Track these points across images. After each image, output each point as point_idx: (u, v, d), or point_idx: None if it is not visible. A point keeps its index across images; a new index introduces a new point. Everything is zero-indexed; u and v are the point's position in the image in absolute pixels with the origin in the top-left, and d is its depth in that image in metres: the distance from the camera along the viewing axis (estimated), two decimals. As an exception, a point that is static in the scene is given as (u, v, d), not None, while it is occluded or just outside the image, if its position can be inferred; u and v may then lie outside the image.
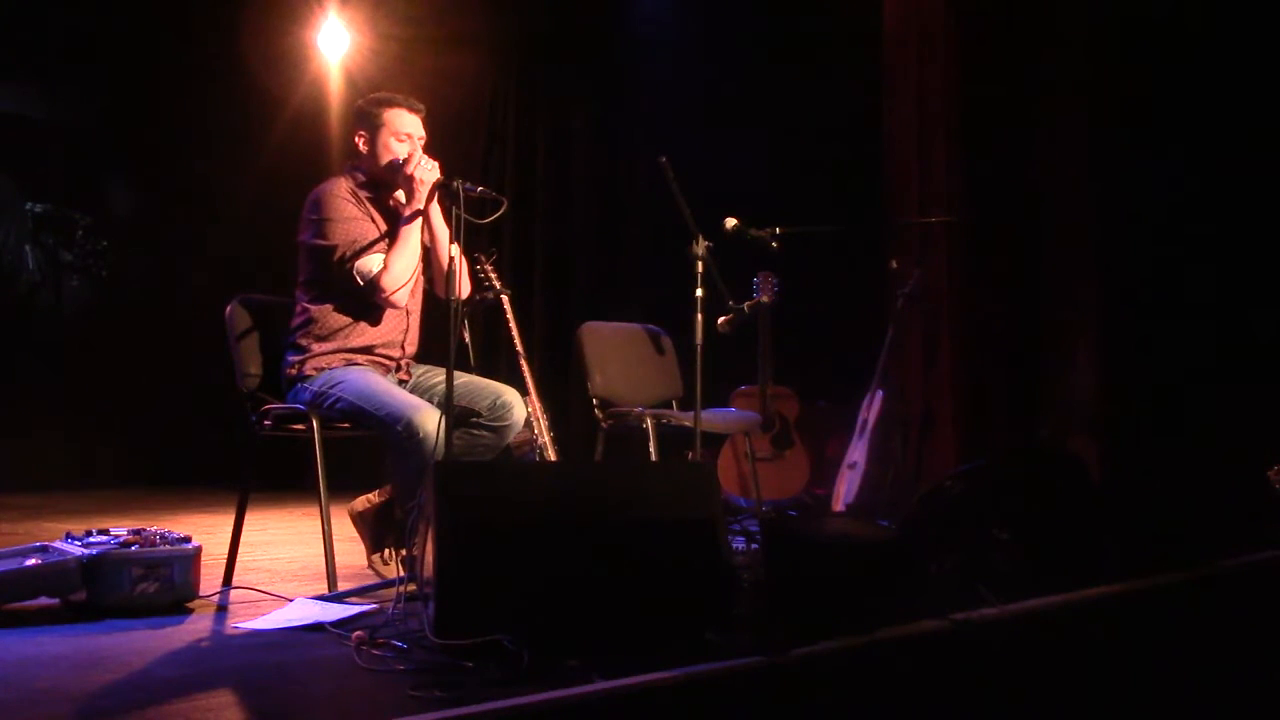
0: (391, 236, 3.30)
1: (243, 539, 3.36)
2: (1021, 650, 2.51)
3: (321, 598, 2.96)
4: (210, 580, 3.10)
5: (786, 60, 5.90)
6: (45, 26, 6.54)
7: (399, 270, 3.26)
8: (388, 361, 3.38)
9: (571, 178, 6.82)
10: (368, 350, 3.33)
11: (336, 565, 3.12)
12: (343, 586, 3.11)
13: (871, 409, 4.82)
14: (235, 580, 3.25)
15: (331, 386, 3.19)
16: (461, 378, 3.22)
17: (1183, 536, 3.15)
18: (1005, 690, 2.43)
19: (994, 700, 2.40)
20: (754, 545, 3.43)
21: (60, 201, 6.67)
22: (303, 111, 6.88)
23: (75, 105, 6.85)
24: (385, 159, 3.35)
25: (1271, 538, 3.37)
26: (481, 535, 2.34)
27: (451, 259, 2.96)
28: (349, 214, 3.29)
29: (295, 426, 3.27)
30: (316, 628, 2.60)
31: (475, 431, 3.28)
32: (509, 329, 4.02)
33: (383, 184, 3.40)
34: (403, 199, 3.37)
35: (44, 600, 2.77)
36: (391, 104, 3.39)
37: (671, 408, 4.34)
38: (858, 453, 4.78)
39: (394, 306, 3.32)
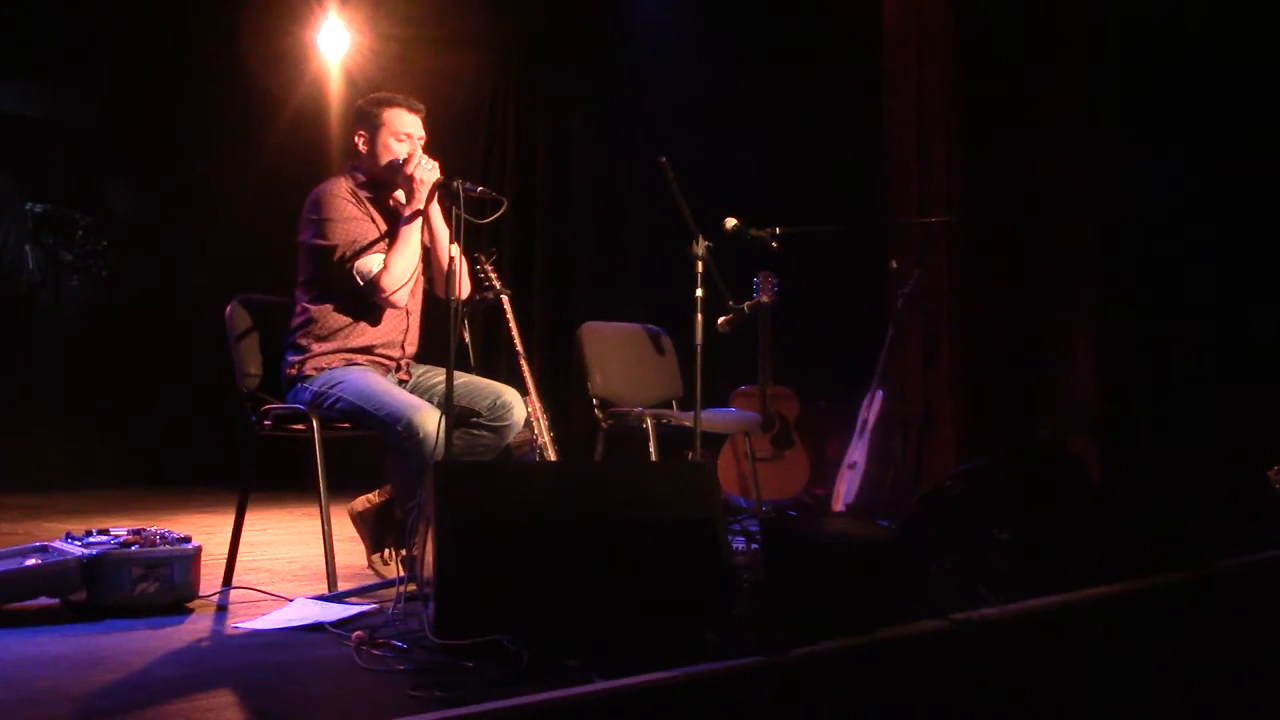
0: (391, 236, 3.30)
1: (243, 539, 3.36)
2: (1021, 650, 2.51)
3: (321, 598, 2.96)
4: (210, 580, 3.10)
5: (786, 60, 5.90)
6: (45, 26, 6.54)
7: (399, 270, 3.26)
8: (388, 361, 3.38)
9: (571, 178, 6.82)
10: (368, 350, 3.33)
11: (336, 565, 3.12)
12: (343, 586, 3.11)
13: (871, 409, 4.82)
14: (235, 580, 3.25)
15: (331, 386, 3.19)
16: (461, 378, 3.22)
17: (1183, 536, 3.15)
18: (1005, 690, 2.43)
19: (994, 700, 2.40)
20: (754, 545, 3.43)
21: (60, 201, 6.66)
22: (303, 111, 6.88)
23: (75, 105, 6.84)
24: (385, 159, 3.35)
25: (1271, 538, 3.37)
26: (481, 535, 2.34)
27: (451, 259, 2.96)
28: (349, 214, 3.29)
29: (295, 426, 3.27)
30: (316, 628, 2.60)
31: (475, 431, 3.28)
32: (509, 329, 4.02)
33: (383, 184, 3.40)
34: (403, 199, 3.37)
35: (44, 600, 2.77)
36: (391, 104, 3.39)
37: (671, 408, 4.34)
38: (858, 453, 4.78)
39: (394, 306, 3.32)
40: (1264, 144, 4.58)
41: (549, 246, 6.78)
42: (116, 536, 2.90)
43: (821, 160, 5.76)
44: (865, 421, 4.82)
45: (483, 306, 4.09)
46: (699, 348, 3.46)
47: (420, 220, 3.29)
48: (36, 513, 5.04)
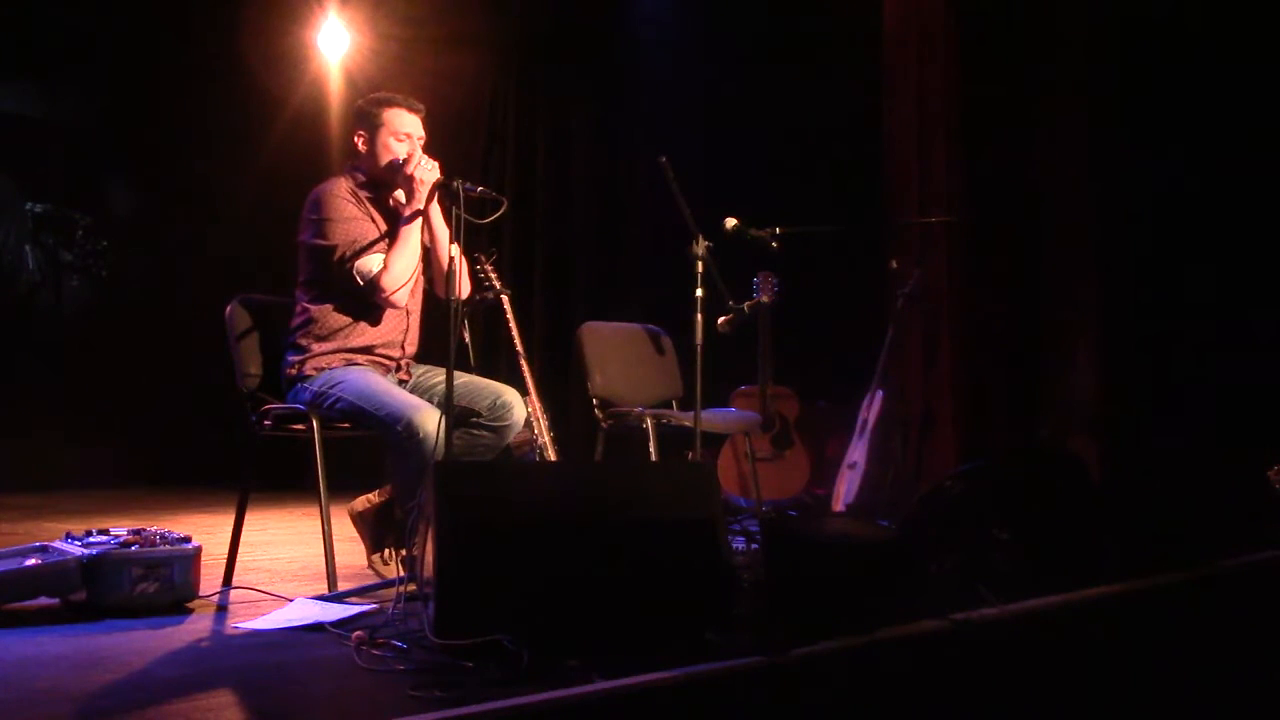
0: (391, 236, 3.30)
1: (243, 539, 3.36)
2: (1021, 650, 2.51)
3: (321, 598, 2.96)
4: (210, 580, 3.10)
5: (786, 60, 5.90)
6: (45, 26, 6.53)
7: (399, 270, 3.26)
8: (388, 361, 3.38)
9: (571, 178, 6.82)
10: (368, 350, 3.33)
11: (336, 565, 3.12)
12: (343, 586, 3.11)
13: (871, 409, 4.82)
14: (235, 580, 3.25)
15: (331, 386, 3.19)
16: (461, 378, 3.22)
17: (1183, 536, 3.15)
18: (1005, 690, 2.43)
19: (994, 700, 2.40)
20: (754, 545, 3.43)
21: (60, 201, 6.66)
22: (303, 111, 6.88)
23: (75, 105, 6.84)
24: (385, 159, 3.35)
25: (1271, 538, 3.37)
26: (481, 535, 2.34)
27: (451, 259, 2.95)
28: (349, 214, 3.29)
29: (295, 426, 3.27)
30: (316, 628, 2.60)
31: (475, 431, 3.28)
32: (509, 329, 4.02)
33: (383, 184, 3.39)
34: (403, 199, 3.37)
35: (44, 600, 2.77)
36: (391, 104, 3.39)
37: (671, 408, 4.34)
38: (858, 453, 4.78)
39: (394, 306, 3.32)
40: (1264, 144, 4.58)
41: (549, 246, 6.78)
42: (116, 536, 2.90)
43: (821, 160, 5.76)
44: (865, 421, 4.82)
45: (483, 306, 4.09)
46: (699, 348, 3.46)
47: (420, 220, 3.29)
48: (36, 513, 5.04)
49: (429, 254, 3.41)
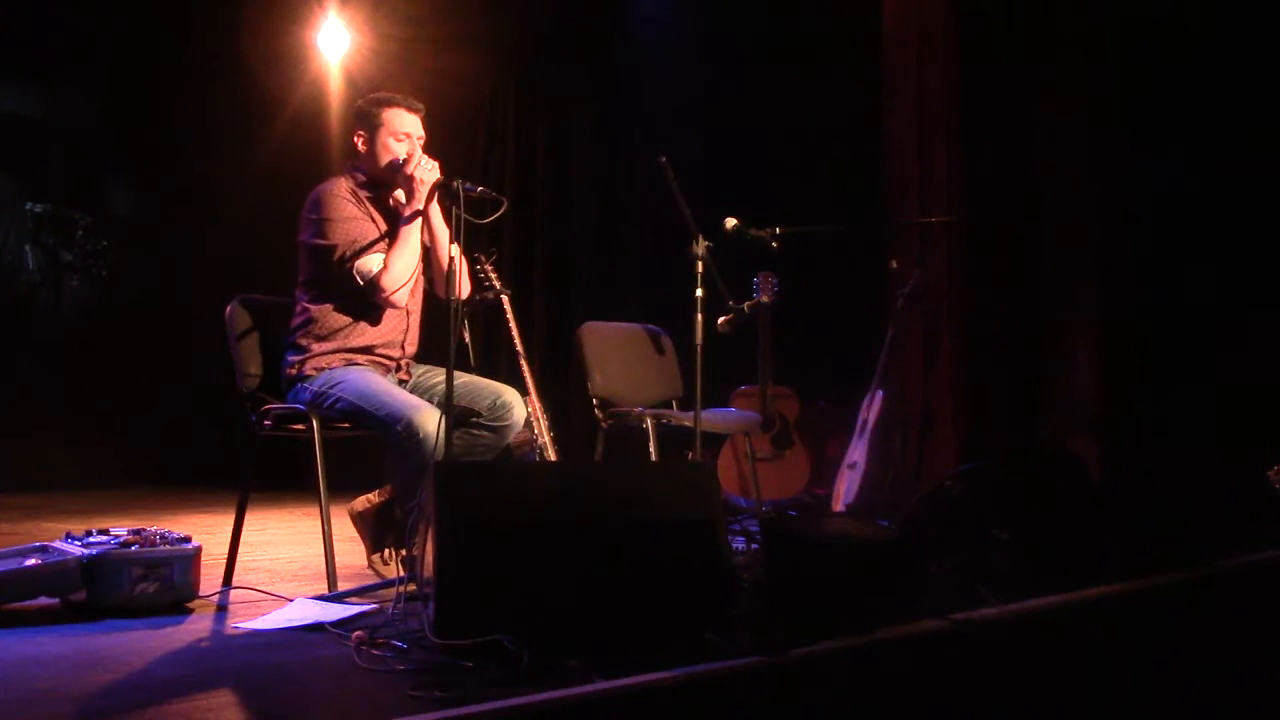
0: (391, 236, 3.30)
1: (243, 539, 3.36)
2: (1021, 650, 2.51)
3: (321, 598, 2.96)
4: (210, 580, 3.10)
5: (786, 60, 5.90)
6: (45, 26, 6.53)
7: (399, 270, 3.26)
8: (388, 361, 3.38)
9: (571, 178, 6.82)
10: (368, 350, 3.33)
11: (336, 565, 3.12)
12: (343, 586, 3.11)
13: (871, 409, 4.82)
14: (235, 580, 3.25)
15: (331, 386, 3.19)
16: (461, 378, 3.22)
17: (1183, 536, 3.15)
18: (1005, 690, 2.43)
19: (994, 700, 2.40)
20: (754, 545, 3.43)
21: (60, 201, 6.66)
22: (303, 111, 6.88)
23: (75, 105, 6.84)
24: (385, 159, 3.35)
25: (1271, 538, 3.37)
26: (481, 535, 2.34)
27: (451, 259, 2.95)
28: (349, 214, 3.29)
29: (295, 426, 3.27)
30: (316, 628, 2.60)
31: (475, 431, 3.28)
32: (509, 329, 4.02)
33: (382, 184, 3.39)
34: (403, 199, 3.37)
35: (44, 600, 2.77)
36: (390, 104, 3.39)
37: (671, 408, 4.34)
38: (858, 453, 4.78)
39: (394, 306, 3.32)
40: (1264, 144, 4.58)
41: (549, 246, 6.78)
42: (116, 536, 2.90)
43: (821, 160, 5.76)
44: (865, 421, 4.82)
45: (483, 306, 4.09)
46: (699, 348, 3.46)
47: (420, 220, 3.29)
48: (36, 513, 5.04)
49: (429, 254, 3.41)
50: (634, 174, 6.58)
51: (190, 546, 2.87)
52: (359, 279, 3.26)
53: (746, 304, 3.91)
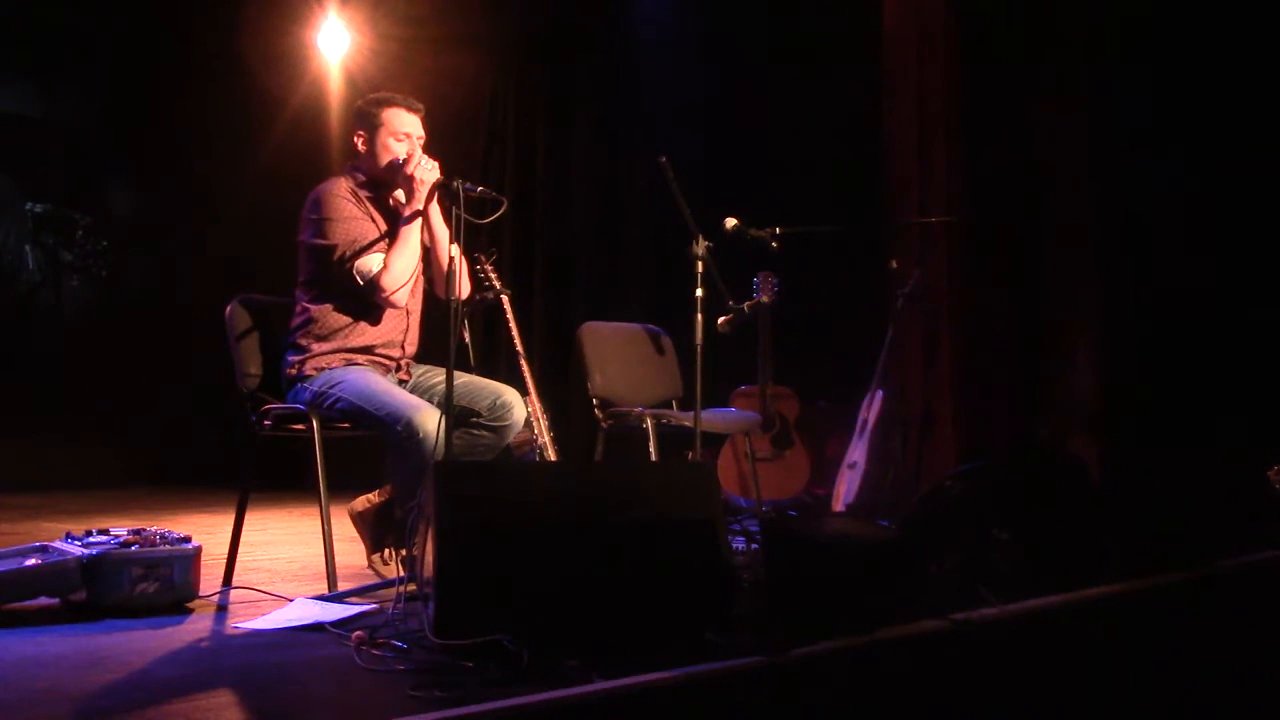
0: (391, 236, 3.30)
1: (243, 539, 3.36)
2: (1021, 650, 2.51)
3: (321, 598, 2.96)
4: (210, 580, 3.10)
5: (786, 60, 5.90)
6: (45, 26, 6.53)
7: (399, 270, 3.26)
8: (388, 361, 3.38)
9: (571, 178, 6.82)
10: (368, 350, 3.33)
11: (336, 565, 3.12)
12: (343, 586, 3.11)
13: (871, 409, 4.82)
14: (235, 580, 3.25)
15: (331, 386, 3.19)
16: (461, 378, 3.22)
17: (1183, 536, 3.15)
18: (1005, 690, 2.43)
19: (994, 700, 2.40)
20: (754, 545, 3.42)
21: (60, 201, 6.66)
22: (303, 111, 6.88)
23: (75, 105, 6.84)
24: (384, 159, 3.35)
25: (1271, 538, 3.37)
26: (481, 535, 2.34)
27: (451, 259, 2.95)
28: (349, 213, 3.29)
29: (295, 426, 3.27)
30: (316, 628, 2.60)
31: (475, 431, 3.28)
32: (509, 329, 4.02)
33: (382, 184, 3.40)
34: (403, 199, 3.37)
35: (44, 600, 2.77)
36: (390, 104, 3.39)
37: (671, 408, 4.34)
38: (858, 453, 4.78)
39: (394, 306, 3.32)
40: (1264, 144, 4.58)
41: (549, 246, 6.78)
42: (116, 536, 2.90)
43: (821, 160, 5.76)
44: (865, 421, 4.82)
45: (483, 306, 4.09)
46: (699, 348, 3.46)
47: (420, 220, 3.29)
48: (36, 513, 5.04)
49: (429, 254, 3.41)
50: (634, 174, 6.58)
51: (190, 546, 2.87)
52: (359, 279, 3.26)
53: (746, 304, 3.91)
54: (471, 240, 3.18)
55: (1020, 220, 5.07)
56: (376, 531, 3.41)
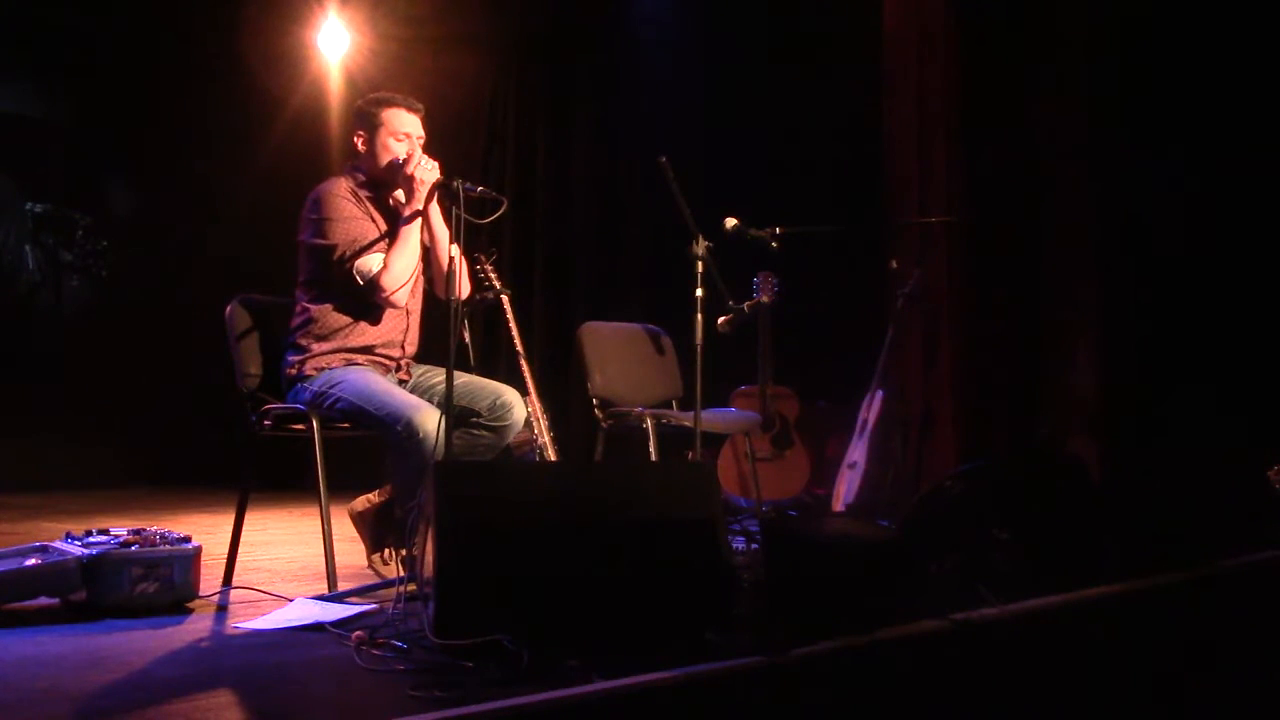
0: (391, 236, 3.30)
1: (243, 539, 3.36)
2: (1021, 650, 2.51)
3: (321, 598, 2.96)
4: (210, 580, 3.10)
5: (786, 60, 5.90)
6: (45, 26, 6.53)
7: (399, 270, 3.26)
8: (388, 361, 3.38)
9: (571, 178, 6.82)
10: (368, 350, 3.33)
11: (336, 565, 3.12)
12: (343, 586, 3.11)
13: (871, 409, 4.82)
14: (235, 580, 3.25)
15: (331, 386, 3.19)
16: (461, 378, 3.22)
17: (1183, 536, 3.15)
18: (1005, 690, 2.43)
19: (994, 700, 2.40)
20: (754, 545, 3.42)
21: (60, 201, 6.67)
22: (303, 111, 6.88)
23: (75, 105, 6.85)
24: (384, 159, 3.35)
25: (1271, 538, 3.37)
26: (481, 535, 2.34)
27: (451, 259, 2.96)
28: (349, 213, 3.29)
29: (295, 426, 3.27)
30: (316, 628, 2.60)
31: (475, 431, 3.28)
32: (509, 329, 4.02)
33: (382, 184, 3.40)
34: (402, 199, 3.37)
35: (44, 600, 2.77)
36: (390, 104, 3.39)
37: (671, 408, 4.34)
38: (858, 453, 4.78)
39: (394, 306, 3.32)
40: (1264, 144, 4.58)
41: (549, 246, 6.78)
42: (116, 536, 2.90)
43: (821, 160, 5.76)
44: (865, 421, 4.82)
45: (483, 306, 4.09)
46: (699, 348, 3.46)
47: (420, 220, 3.30)
48: (36, 513, 5.04)
49: (429, 254, 3.41)
50: (634, 174, 6.58)
51: (190, 546, 2.87)
52: (359, 279, 3.26)
53: (746, 304, 3.91)
54: (471, 240, 3.18)
55: (1020, 220, 5.07)
56: (376, 531, 3.41)
